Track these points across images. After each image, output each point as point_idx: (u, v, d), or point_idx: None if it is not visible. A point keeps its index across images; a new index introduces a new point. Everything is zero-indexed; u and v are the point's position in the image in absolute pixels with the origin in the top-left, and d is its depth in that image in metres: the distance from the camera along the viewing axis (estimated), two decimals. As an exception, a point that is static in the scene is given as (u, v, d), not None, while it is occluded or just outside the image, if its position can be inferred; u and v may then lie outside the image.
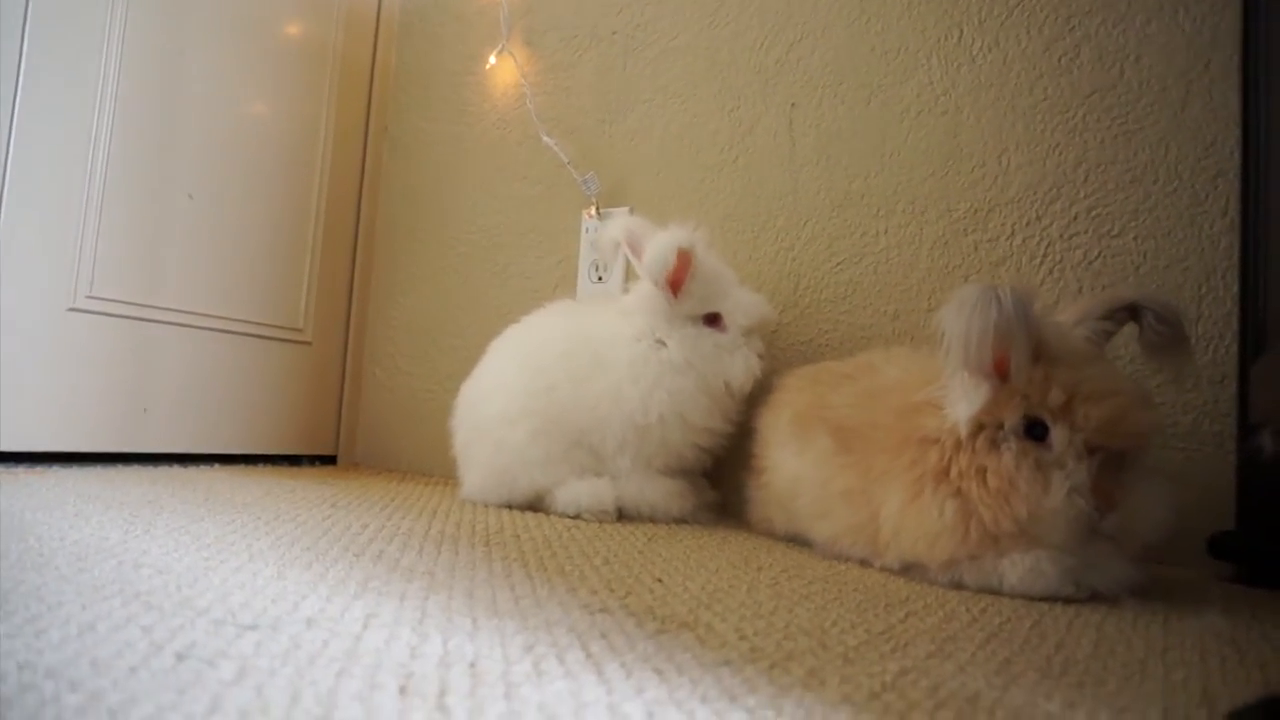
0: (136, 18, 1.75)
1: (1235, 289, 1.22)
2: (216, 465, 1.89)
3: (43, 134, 1.62)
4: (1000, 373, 0.94)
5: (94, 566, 0.74)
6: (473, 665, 0.54)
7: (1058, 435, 0.91)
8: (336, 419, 2.21)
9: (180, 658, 0.51)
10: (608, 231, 1.51)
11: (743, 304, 1.43)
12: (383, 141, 2.29)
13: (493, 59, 2.05)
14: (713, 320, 1.43)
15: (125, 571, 0.73)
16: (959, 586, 0.97)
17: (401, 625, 0.62)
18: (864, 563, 1.10)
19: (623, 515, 1.41)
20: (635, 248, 1.46)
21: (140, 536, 0.91)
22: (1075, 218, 1.34)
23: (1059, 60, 1.38)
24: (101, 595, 0.64)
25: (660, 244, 1.35)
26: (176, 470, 1.72)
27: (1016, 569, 0.92)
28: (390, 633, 0.60)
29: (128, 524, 0.99)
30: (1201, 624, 0.82)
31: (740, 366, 1.40)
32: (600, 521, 1.37)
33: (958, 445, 0.96)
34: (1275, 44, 1.17)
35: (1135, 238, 1.30)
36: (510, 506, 1.47)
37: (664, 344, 1.43)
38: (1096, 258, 1.33)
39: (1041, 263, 1.36)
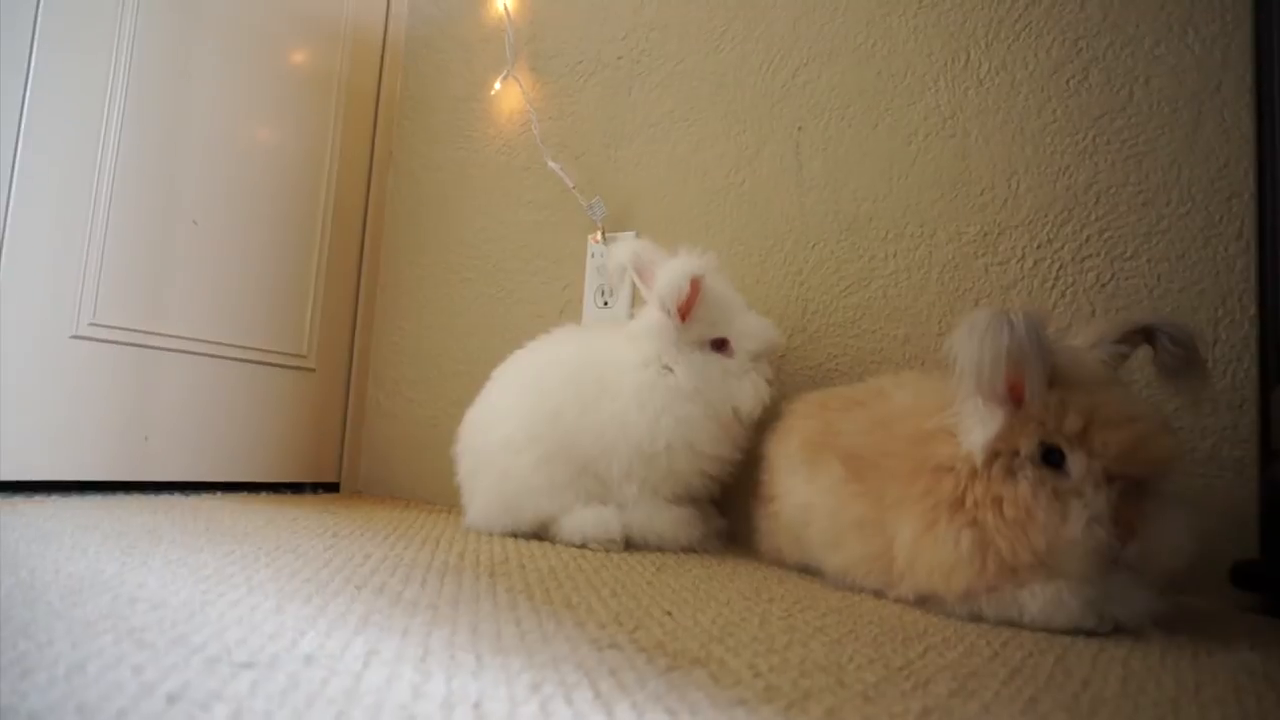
0: (142, 43, 1.76)
1: (1253, 311, 1.20)
2: (219, 493, 1.87)
3: (47, 159, 1.62)
4: (1014, 399, 0.92)
5: (87, 601, 0.72)
6: (477, 706, 0.52)
7: (1075, 463, 0.89)
8: (340, 446, 2.20)
9: (172, 700, 0.49)
10: (615, 256, 1.50)
11: (750, 329, 1.41)
12: (388, 167, 2.29)
13: (498, 85, 2.05)
14: (720, 345, 1.41)
15: (119, 606, 0.71)
16: (977, 619, 0.94)
17: (403, 663, 0.60)
18: (878, 594, 1.07)
19: (630, 544, 1.39)
20: (642, 272, 1.45)
21: (137, 569, 0.89)
22: (1087, 240, 1.33)
23: (1067, 82, 1.37)
24: (93, 632, 0.62)
25: (673, 272, 1.34)
26: (178, 499, 1.70)
27: (1037, 600, 0.90)
28: (392, 671, 0.58)
29: (125, 555, 0.96)
30: (1232, 659, 0.79)
31: (748, 392, 1.38)
32: (607, 551, 1.34)
33: (973, 473, 0.94)
34: (1287, 65, 1.16)
35: (1149, 260, 1.28)
36: (515, 535, 1.45)
37: (671, 370, 1.41)
38: (1109, 281, 1.31)
39: (1054, 286, 1.35)
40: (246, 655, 0.59)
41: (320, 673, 0.56)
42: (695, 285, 1.35)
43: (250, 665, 0.57)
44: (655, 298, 1.37)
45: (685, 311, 1.37)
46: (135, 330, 1.76)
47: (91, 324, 1.68)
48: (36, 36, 1.60)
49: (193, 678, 0.53)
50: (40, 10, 1.61)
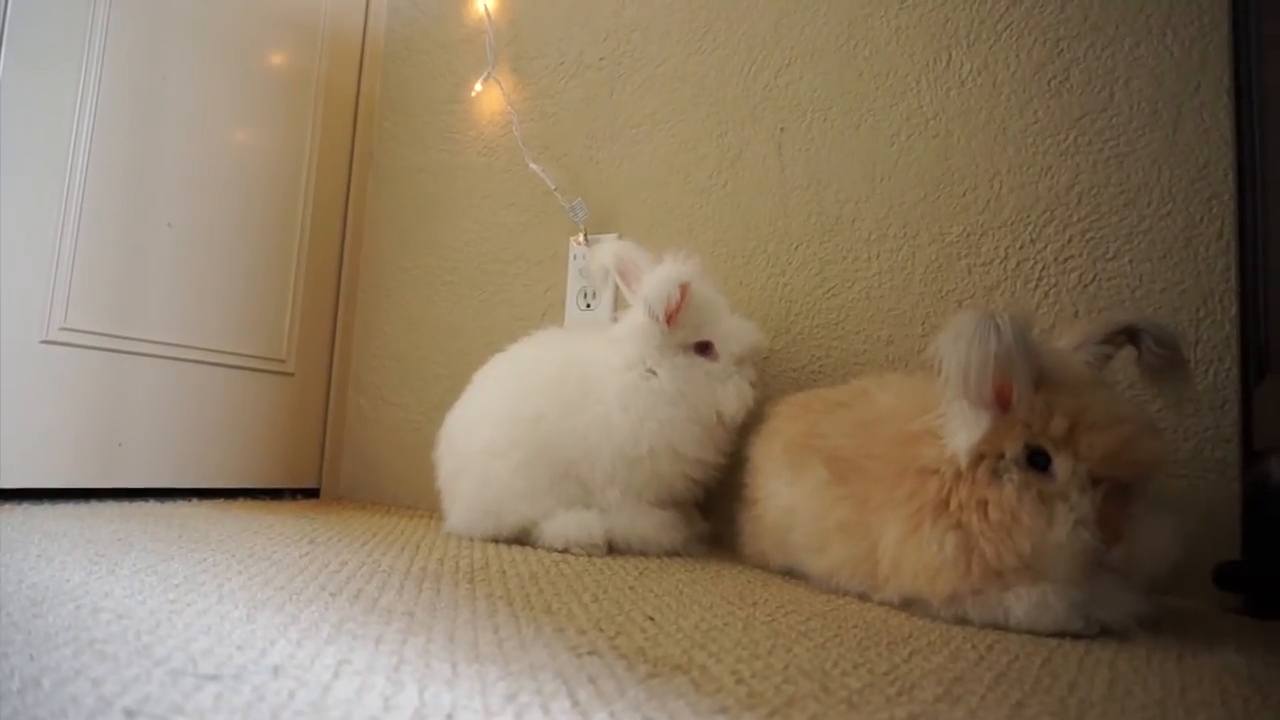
0: (115, 44, 1.72)
1: (1234, 311, 1.20)
2: (195, 500, 1.83)
3: (17, 161, 1.58)
4: (1000, 401, 0.91)
5: (49, 612, 0.70)
6: (450, 717, 0.50)
7: (1061, 465, 0.88)
8: (320, 451, 2.16)
9: (130, 715, 0.47)
10: (597, 258, 1.49)
11: (734, 332, 1.40)
12: (367, 169, 2.27)
13: (479, 86, 2.03)
14: (704, 349, 1.40)
15: (82, 617, 0.69)
16: (963, 621, 0.93)
17: (375, 673, 0.58)
18: (863, 596, 1.06)
19: (612, 548, 1.37)
20: (626, 275, 1.44)
21: (104, 578, 0.86)
22: (1069, 241, 1.33)
23: (1049, 83, 1.37)
24: (52, 644, 0.60)
25: (663, 278, 1.32)
26: (152, 506, 1.66)
27: (1023, 603, 0.89)
28: (363, 681, 0.56)
29: (92, 564, 0.94)
30: (1217, 661, 0.78)
31: (733, 396, 1.37)
32: (589, 555, 1.33)
33: (957, 476, 0.93)
34: (1266, 66, 1.17)
35: (1130, 261, 1.28)
36: (497, 540, 1.43)
37: (654, 373, 1.39)
38: (1092, 281, 1.31)
39: (1036, 287, 1.34)
40: (212, 667, 0.57)
41: (288, 684, 0.54)
42: (684, 291, 1.34)
43: (215, 677, 0.55)
44: (643, 303, 1.35)
45: (672, 316, 1.35)
46: (108, 335, 1.72)
47: (63, 329, 1.65)
48: (4, 38, 1.56)
49: (154, 691, 0.51)
50: (9, 12, 1.57)
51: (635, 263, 1.42)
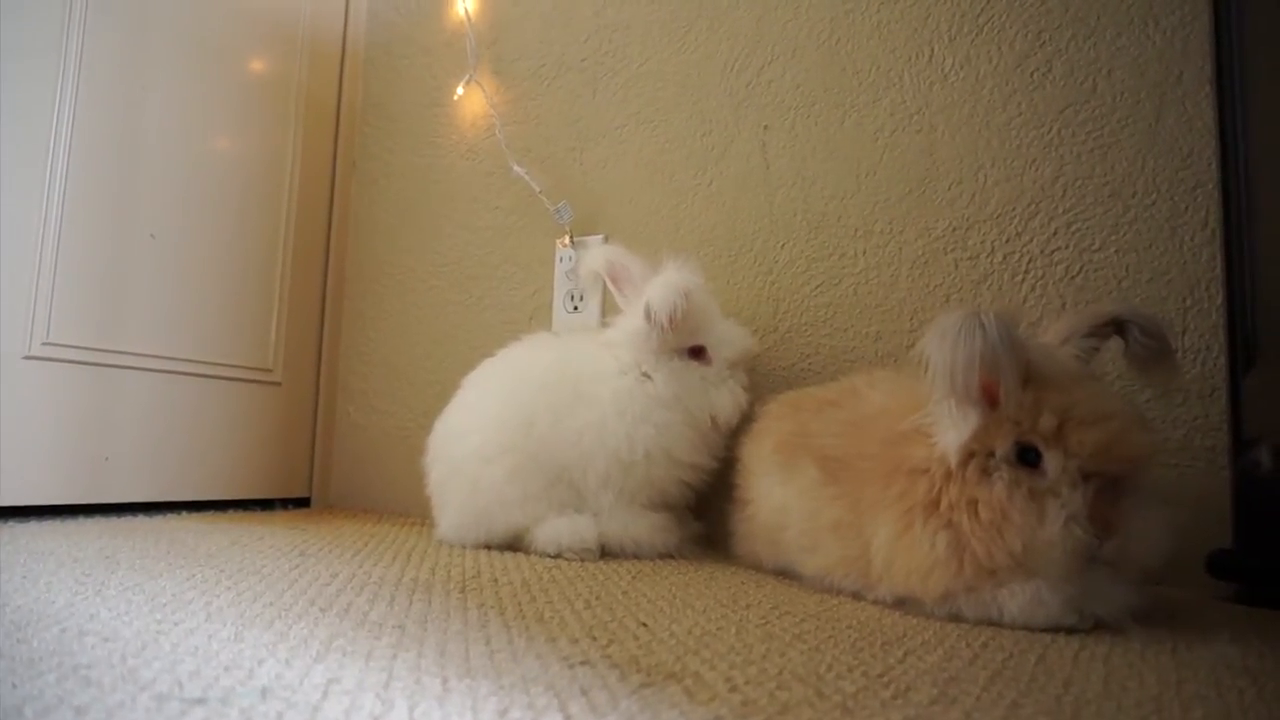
0: (94, 53, 1.71)
1: (1220, 300, 1.20)
2: (184, 513, 1.82)
3: (-5, 176, 1.57)
4: (988, 399, 0.91)
5: (33, 636, 0.69)
6: (441, 736, 0.49)
7: (1051, 462, 0.88)
8: (309, 460, 2.15)
9: (113, 744, 0.46)
10: (587, 262, 1.48)
11: (727, 337, 1.40)
12: (351, 175, 2.25)
13: (460, 90, 2.02)
14: (697, 353, 1.39)
15: (67, 641, 0.68)
16: (956, 619, 0.93)
17: (365, 691, 0.57)
18: (856, 596, 1.06)
19: (606, 552, 1.36)
20: (617, 279, 1.44)
21: (90, 598, 0.85)
22: (1055, 233, 1.33)
23: (1031, 76, 1.37)
24: (36, 670, 0.59)
25: (669, 285, 1.31)
26: (140, 520, 1.65)
27: (1016, 599, 0.88)
28: (352, 701, 0.55)
29: (78, 584, 0.93)
30: (1211, 653, 0.78)
31: (727, 400, 1.37)
32: (582, 560, 1.32)
33: (948, 475, 0.92)
34: (1247, 54, 1.17)
35: (1116, 251, 1.28)
36: (488, 547, 1.42)
37: (650, 378, 1.39)
38: (1078, 273, 1.31)
39: (1023, 280, 1.34)
40: (199, 690, 0.56)
41: (276, 706, 0.53)
42: (689, 299, 1.33)
43: (202, 701, 0.54)
44: (646, 309, 1.33)
45: (674, 323, 1.34)
46: (92, 349, 1.71)
47: (45, 344, 1.63)
48: (-20, 48, 1.55)
49: (139, 717, 0.50)
50: (-17, 22, 1.56)
51: (626, 267, 1.42)
